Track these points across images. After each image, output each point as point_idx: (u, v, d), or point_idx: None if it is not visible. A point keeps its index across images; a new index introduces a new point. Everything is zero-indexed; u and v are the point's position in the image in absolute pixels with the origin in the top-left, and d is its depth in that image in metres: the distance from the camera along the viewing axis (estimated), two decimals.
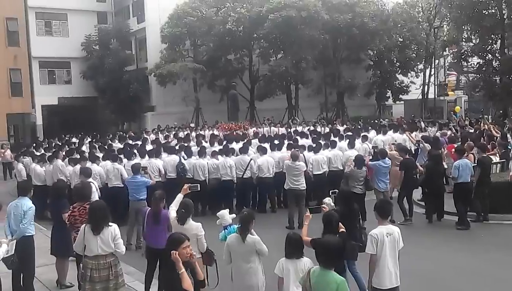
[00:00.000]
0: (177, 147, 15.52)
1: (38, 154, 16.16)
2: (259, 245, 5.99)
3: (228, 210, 7.15)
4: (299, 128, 23.11)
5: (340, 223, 6.51)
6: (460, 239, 10.92)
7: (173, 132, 23.57)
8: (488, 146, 14.44)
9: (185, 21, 31.67)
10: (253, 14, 31.45)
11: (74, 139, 23.12)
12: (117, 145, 18.32)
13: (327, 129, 22.29)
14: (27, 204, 7.62)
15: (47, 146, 19.53)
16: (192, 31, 32.31)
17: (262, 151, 14.25)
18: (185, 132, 22.97)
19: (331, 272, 4.84)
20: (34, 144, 20.30)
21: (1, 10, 33.09)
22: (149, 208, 7.83)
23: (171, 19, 32.56)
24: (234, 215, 7.06)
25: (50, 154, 15.48)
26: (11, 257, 7.12)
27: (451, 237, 11.03)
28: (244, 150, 14.29)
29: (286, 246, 5.65)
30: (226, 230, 6.69)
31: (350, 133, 18.91)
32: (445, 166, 12.92)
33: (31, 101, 35.68)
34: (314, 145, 14.61)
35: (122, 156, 14.04)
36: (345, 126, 24.66)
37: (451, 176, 12.07)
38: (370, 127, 21.73)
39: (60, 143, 20.19)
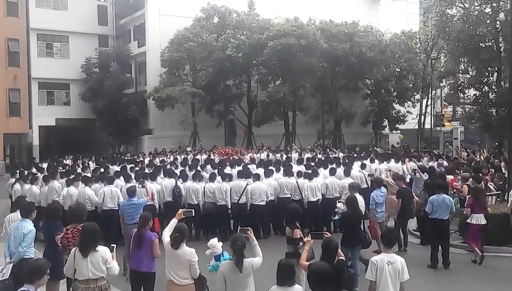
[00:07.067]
0: (176, 171, 15.46)
1: (31, 174, 16.04)
2: (254, 261, 5.93)
3: (216, 238, 6.95)
4: (295, 155, 23.08)
5: (339, 251, 6.44)
6: (456, 271, 10.83)
7: (171, 156, 23.46)
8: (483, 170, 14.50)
9: (185, 46, 31.86)
10: (253, 41, 31.73)
11: (68, 161, 22.93)
12: (113, 168, 18.23)
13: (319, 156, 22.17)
14: (28, 226, 7.55)
15: (46, 167, 19.27)
16: (192, 56, 32.48)
17: (255, 177, 14.05)
18: (183, 157, 22.90)
19: None
20: (34, 166, 20.12)
21: (3, 30, 33.54)
22: (136, 230, 7.68)
23: (172, 44, 32.79)
24: (221, 243, 6.85)
25: (44, 175, 15.40)
26: (6, 280, 7.05)
27: (447, 269, 10.93)
28: (241, 175, 14.23)
29: (278, 273, 5.54)
30: (218, 262, 6.48)
31: (347, 161, 18.92)
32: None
33: (29, 121, 35.70)
34: (310, 172, 14.57)
35: (120, 179, 13.96)
36: (341, 154, 24.69)
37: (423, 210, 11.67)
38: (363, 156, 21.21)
39: (55, 164, 20.00)
